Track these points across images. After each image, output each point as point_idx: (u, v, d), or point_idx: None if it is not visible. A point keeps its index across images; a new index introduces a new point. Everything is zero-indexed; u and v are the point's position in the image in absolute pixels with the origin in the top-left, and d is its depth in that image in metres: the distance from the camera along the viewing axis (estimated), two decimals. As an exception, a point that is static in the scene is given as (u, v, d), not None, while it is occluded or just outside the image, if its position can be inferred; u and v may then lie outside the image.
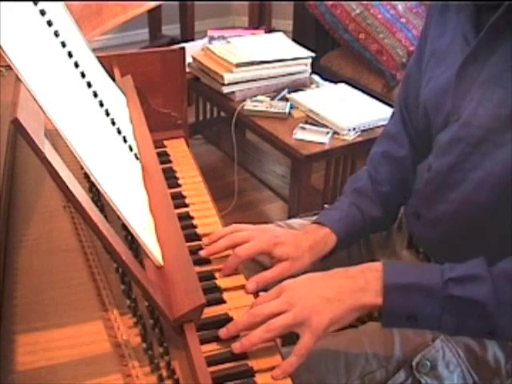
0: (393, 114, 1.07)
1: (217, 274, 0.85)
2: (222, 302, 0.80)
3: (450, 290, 0.73)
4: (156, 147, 1.00)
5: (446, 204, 0.88)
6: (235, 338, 0.74)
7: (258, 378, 0.69)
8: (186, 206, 0.99)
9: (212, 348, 0.72)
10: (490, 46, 0.80)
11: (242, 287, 0.83)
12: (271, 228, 0.97)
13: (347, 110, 1.92)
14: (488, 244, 0.85)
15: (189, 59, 2.11)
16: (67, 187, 0.61)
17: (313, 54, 2.15)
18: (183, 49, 1.27)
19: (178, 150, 1.16)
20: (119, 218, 0.71)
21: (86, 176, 0.91)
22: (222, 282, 0.83)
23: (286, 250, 0.88)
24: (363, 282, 0.75)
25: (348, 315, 0.75)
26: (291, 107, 1.95)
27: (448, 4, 0.91)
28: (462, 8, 0.86)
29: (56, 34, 0.79)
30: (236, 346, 0.71)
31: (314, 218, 1.05)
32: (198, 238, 0.91)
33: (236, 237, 0.88)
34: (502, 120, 0.78)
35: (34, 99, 0.60)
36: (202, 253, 0.87)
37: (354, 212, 0.98)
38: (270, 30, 2.75)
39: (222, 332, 0.73)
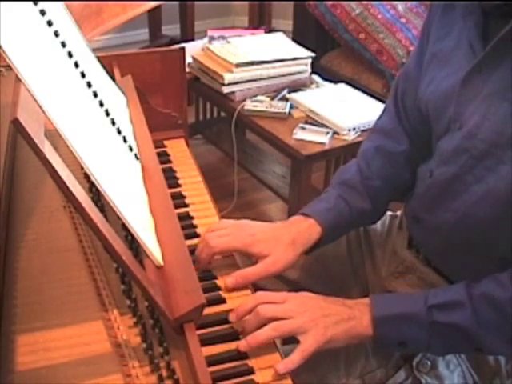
0: (384, 109, 1.04)
1: (217, 274, 0.85)
2: (221, 301, 0.80)
3: (434, 316, 0.77)
4: (156, 147, 1.00)
5: (447, 212, 0.86)
6: (236, 338, 0.74)
7: (258, 378, 0.69)
8: (186, 205, 0.99)
9: (212, 348, 0.72)
10: (496, 58, 0.78)
11: (242, 287, 0.83)
12: (249, 224, 0.92)
13: (347, 110, 1.92)
14: (488, 256, 0.84)
15: (189, 59, 2.11)
16: (67, 187, 0.61)
17: (313, 54, 2.15)
18: (183, 49, 1.27)
19: (178, 149, 1.16)
20: (119, 217, 0.71)
21: (86, 176, 0.91)
22: (222, 281, 0.83)
23: (264, 246, 0.86)
24: (358, 313, 0.78)
25: (345, 339, 0.78)
26: (291, 107, 1.95)
27: (453, 4, 0.88)
28: (468, 12, 0.84)
29: (56, 34, 0.79)
30: (242, 345, 0.72)
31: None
32: (198, 237, 0.91)
33: (212, 236, 0.87)
34: (506, 136, 0.76)
35: (34, 99, 0.60)
36: None
37: (340, 204, 0.96)
38: (270, 30, 2.75)
39: (232, 317, 0.76)
